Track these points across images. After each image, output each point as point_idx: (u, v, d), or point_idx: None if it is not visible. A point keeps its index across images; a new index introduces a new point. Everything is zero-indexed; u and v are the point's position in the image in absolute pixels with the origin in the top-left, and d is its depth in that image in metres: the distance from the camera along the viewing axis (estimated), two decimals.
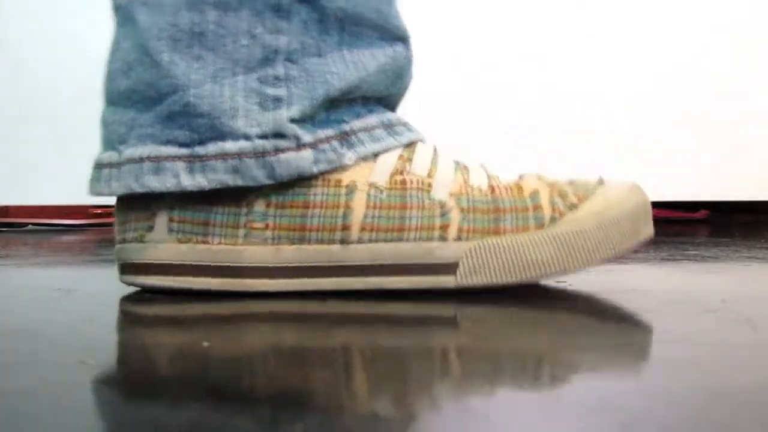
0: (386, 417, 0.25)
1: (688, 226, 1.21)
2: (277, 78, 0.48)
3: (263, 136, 0.47)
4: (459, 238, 0.48)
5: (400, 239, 0.48)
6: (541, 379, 0.29)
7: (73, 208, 1.39)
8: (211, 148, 0.47)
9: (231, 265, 0.49)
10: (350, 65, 0.49)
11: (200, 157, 0.48)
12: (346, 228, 0.48)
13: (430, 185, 0.49)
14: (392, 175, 0.49)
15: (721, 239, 0.95)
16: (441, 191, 0.49)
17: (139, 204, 0.50)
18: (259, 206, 0.48)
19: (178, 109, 0.48)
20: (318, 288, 0.48)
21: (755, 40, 1.25)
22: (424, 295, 0.48)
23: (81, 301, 0.50)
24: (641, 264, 0.65)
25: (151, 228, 0.49)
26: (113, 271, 0.53)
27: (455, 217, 0.48)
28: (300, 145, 0.48)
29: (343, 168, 0.48)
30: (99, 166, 0.51)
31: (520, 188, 0.50)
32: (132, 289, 0.51)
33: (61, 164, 1.32)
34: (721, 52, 1.25)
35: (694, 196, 1.28)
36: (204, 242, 0.49)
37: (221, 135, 0.47)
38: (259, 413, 0.25)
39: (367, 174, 0.49)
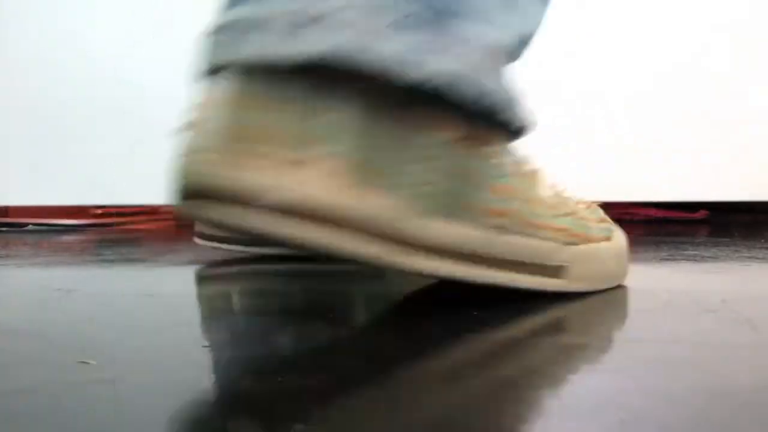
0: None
1: (688, 226, 1.21)
2: None
3: (509, 52, 0.35)
4: (568, 242, 0.46)
5: (528, 234, 0.43)
6: (540, 379, 0.29)
7: (73, 208, 1.39)
8: (453, 28, 0.33)
9: (396, 233, 0.37)
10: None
11: (443, 36, 0.33)
12: (500, 214, 0.41)
13: (550, 183, 0.46)
14: (520, 164, 0.43)
15: (720, 239, 0.95)
16: (548, 190, 0.46)
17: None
18: (428, 161, 0.37)
19: None
20: (463, 278, 0.41)
21: (755, 40, 1.25)
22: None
23: (81, 301, 0.50)
24: (641, 264, 0.65)
25: (306, 161, 0.33)
26: (113, 271, 0.53)
27: (565, 219, 0.46)
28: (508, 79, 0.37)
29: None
30: (255, 20, 0.33)
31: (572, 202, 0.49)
32: (131, 288, 0.51)
33: (61, 164, 1.32)
34: (721, 52, 1.25)
35: (694, 196, 1.28)
36: (384, 195, 0.36)
37: (480, 20, 0.34)
38: (260, 414, 0.25)
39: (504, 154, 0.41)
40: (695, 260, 0.70)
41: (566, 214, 0.46)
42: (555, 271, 0.46)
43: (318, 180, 0.33)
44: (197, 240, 0.70)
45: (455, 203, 0.38)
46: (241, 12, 0.33)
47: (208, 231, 0.69)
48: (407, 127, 0.35)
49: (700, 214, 1.35)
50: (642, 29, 1.25)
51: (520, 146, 0.43)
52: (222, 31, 0.34)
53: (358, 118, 0.33)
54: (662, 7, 1.25)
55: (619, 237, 0.51)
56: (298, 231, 0.34)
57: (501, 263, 0.42)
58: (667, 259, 0.69)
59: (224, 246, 0.67)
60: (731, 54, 1.25)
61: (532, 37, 0.38)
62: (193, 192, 0.34)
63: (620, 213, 1.23)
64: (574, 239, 0.47)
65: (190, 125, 0.35)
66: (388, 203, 0.35)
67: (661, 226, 1.21)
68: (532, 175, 0.44)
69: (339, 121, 0.33)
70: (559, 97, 1.25)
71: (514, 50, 0.36)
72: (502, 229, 0.41)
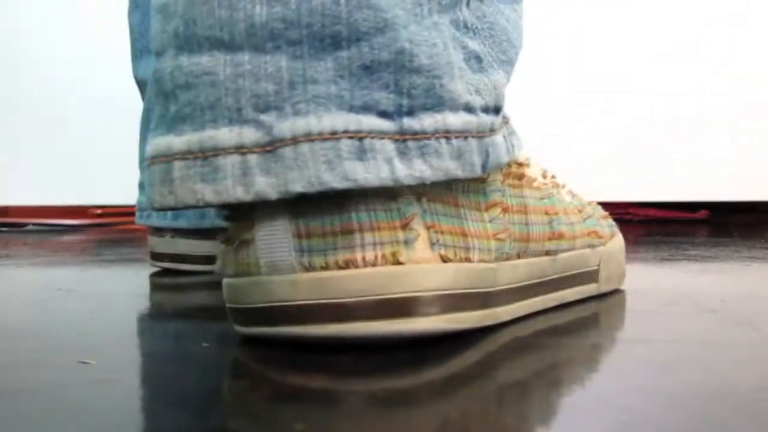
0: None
1: (688, 226, 1.21)
2: (466, 26, 0.34)
3: (486, 110, 0.35)
4: (595, 244, 0.46)
5: (573, 248, 0.44)
6: (540, 379, 0.29)
7: (73, 208, 1.39)
8: (429, 121, 0.32)
9: (487, 290, 0.36)
10: (518, 25, 0.38)
11: (415, 134, 0.32)
12: (559, 237, 0.41)
13: (563, 186, 0.45)
14: (543, 174, 0.43)
15: (721, 239, 0.95)
16: (570, 193, 0.45)
17: (355, 201, 0.32)
18: (493, 209, 0.37)
19: (387, 57, 0.31)
20: (527, 310, 0.40)
21: (757, 41, 1.25)
22: None
23: (81, 301, 0.50)
24: (641, 264, 0.65)
25: (408, 241, 0.32)
26: (113, 271, 0.53)
27: (589, 220, 0.46)
28: (502, 125, 0.37)
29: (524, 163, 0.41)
30: (200, 154, 0.31)
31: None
32: (132, 287, 0.51)
33: (61, 164, 1.32)
34: (722, 53, 1.25)
35: (694, 196, 1.28)
36: (467, 259, 0.35)
37: (438, 103, 0.33)
38: (260, 414, 0.25)
39: (533, 171, 0.42)
40: (695, 260, 0.70)
41: (588, 215, 0.46)
42: (590, 276, 0.46)
43: (418, 267, 0.32)
44: (151, 263, 0.65)
45: (518, 240, 0.38)
46: (199, 141, 0.31)
47: (161, 251, 0.64)
48: (456, 191, 0.35)
49: (701, 214, 1.35)
50: (643, 29, 1.25)
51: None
52: (177, 160, 0.31)
53: (412, 200, 0.33)
54: (661, 5, 1.25)
55: (618, 232, 0.51)
56: (420, 324, 0.32)
57: (554, 284, 0.42)
58: (667, 259, 0.69)
59: (180, 266, 0.63)
60: (733, 55, 1.25)
61: (504, 85, 0.38)
62: (276, 316, 0.32)
63: (620, 213, 1.24)
64: (600, 240, 0.47)
65: (236, 253, 0.33)
66: (475, 264, 0.35)
67: (661, 226, 1.21)
68: (558, 185, 0.44)
69: (397, 204, 0.32)
70: (559, 97, 1.25)
71: (493, 105, 0.36)
72: (554, 250, 0.42)
